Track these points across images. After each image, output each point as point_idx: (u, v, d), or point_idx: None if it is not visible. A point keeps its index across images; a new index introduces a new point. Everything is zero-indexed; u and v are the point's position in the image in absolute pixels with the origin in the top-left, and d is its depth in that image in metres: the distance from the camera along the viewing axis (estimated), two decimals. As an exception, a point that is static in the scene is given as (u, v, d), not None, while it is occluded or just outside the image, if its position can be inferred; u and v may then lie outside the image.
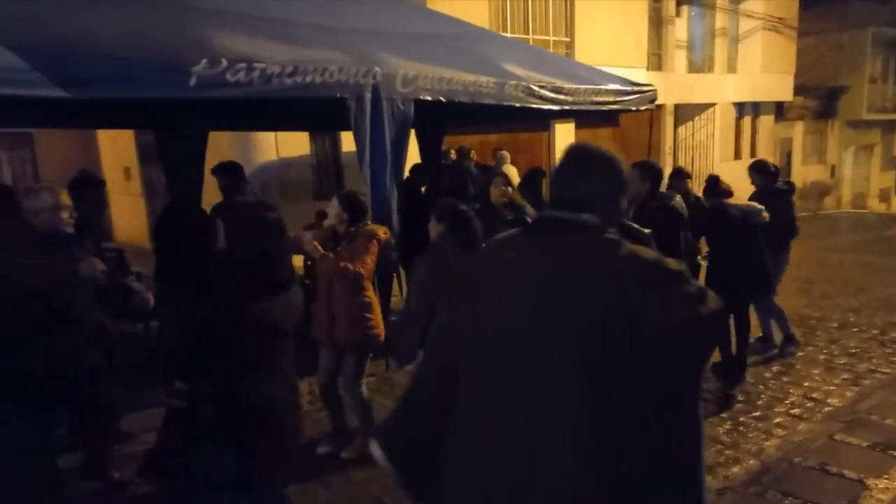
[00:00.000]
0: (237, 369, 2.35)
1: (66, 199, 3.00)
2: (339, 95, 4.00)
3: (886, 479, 3.39)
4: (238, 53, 3.47)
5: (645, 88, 6.25)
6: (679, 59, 14.45)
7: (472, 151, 8.24)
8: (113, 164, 11.29)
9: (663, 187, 4.51)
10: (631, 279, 1.40)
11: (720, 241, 4.76)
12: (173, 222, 4.77)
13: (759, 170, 5.41)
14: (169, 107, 4.84)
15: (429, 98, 4.47)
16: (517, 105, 5.09)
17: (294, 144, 8.41)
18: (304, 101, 4.03)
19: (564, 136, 11.79)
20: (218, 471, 2.41)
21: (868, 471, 3.46)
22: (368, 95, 4.14)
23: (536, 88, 5.14)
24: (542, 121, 10.42)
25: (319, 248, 3.41)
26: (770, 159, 7.58)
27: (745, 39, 15.87)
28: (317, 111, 5.50)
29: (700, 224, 4.74)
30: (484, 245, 1.64)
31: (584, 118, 10.40)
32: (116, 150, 11.19)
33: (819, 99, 18.67)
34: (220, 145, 7.19)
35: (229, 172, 4.68)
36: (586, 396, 1.37)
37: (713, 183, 4.78)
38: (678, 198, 4.27)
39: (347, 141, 9.40)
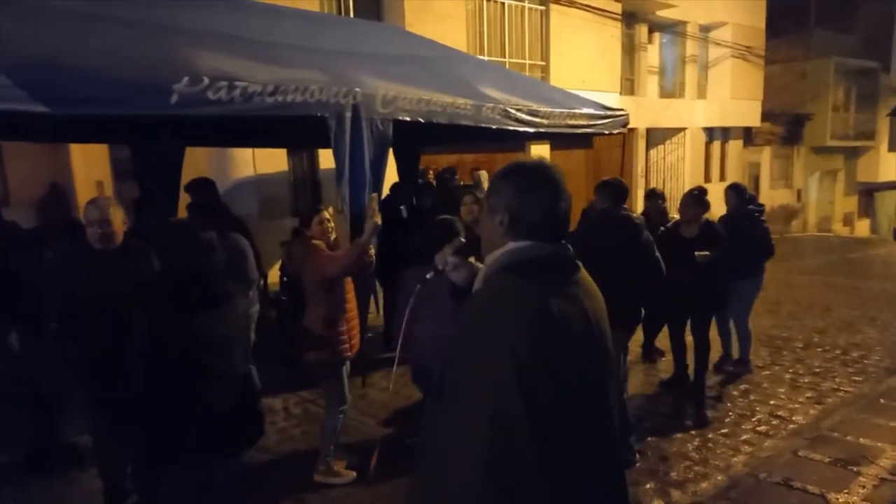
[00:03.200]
0: (192, 382, 2.39)
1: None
2: (319, 115, 4.05)
3: (846, 493, 3.51)
4: (220, 72, 3.50)
5: (617, 113, 6.42)
6: (651, 84, 14.84)
7: (430, 172, 8.34)
8: (85, 178, 11.12)
9: (640, 208, 4.62)
10: None
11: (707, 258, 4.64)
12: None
13: (738, 191, 5.56)
14: (147, 122, 4.84)
15: (407, 118, 4.53)
16: (493, 127, 5.19)
17: (272, 161, 8.42)
18: (283, 118, 4.07)
19: (540, 156, 12.00)
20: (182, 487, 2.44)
21: (829, 485, 3.58)
22: (348, 115, 4.19)
23: (513, 111, 5.26)
24: (518, 142, 10.59)
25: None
26: (739, 182, 7.78)
27: (715, 66, 16.37)
28: (295, 128, 5.55)
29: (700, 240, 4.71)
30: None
31: (558, 140, 10.62)
32: (89, 164, 11.04)
33: (785, 125, 19.27)
34: (198, 161, 7.18)
35: (202, 189, 4.69)
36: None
37: (703, 195, 4.80)
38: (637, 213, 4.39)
39: (325, 158, 9.44)
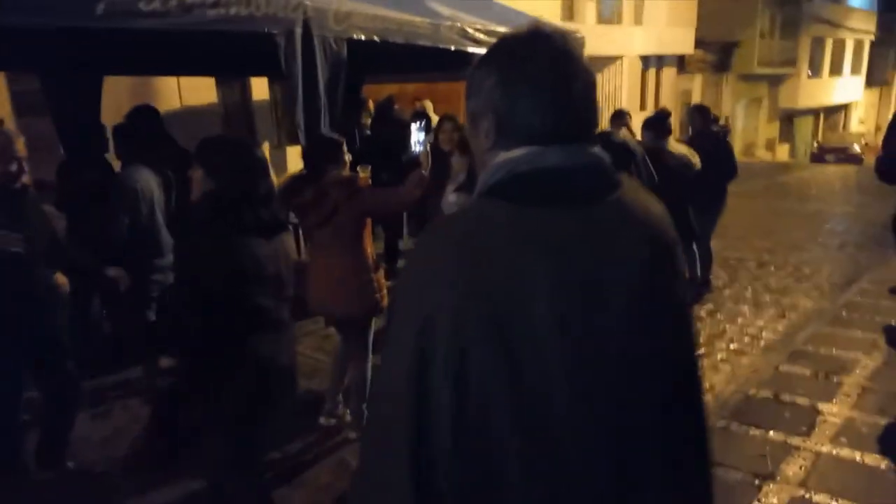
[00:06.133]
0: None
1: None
2: (266, 31, 3.58)
3: (835, 403, 3.56)
4: (153, -23, 2.98)
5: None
6: (589, 10, 14.55)
7: (370, 102, 7.80)
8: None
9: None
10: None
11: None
12: (76, 183, 4.22)
13: (702, 112, 5.49)
14: (59, 47, 4.22)
15: (362, 37, 4.12)
16: (453, 48, 4.83)
17: (199, 92, 7.70)
18: (216, 38, 3.61)
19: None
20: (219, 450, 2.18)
21: (817, 397, 3.62)
22: (299, 31, 3.74)
23: (471, 31, 4.90)
24: (465, 69, 10.15)
25: None
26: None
27: (650, -8, 16.21)
28: (225, 54, 5.01)
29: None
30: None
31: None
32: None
33: (716, 53, 19.51)
34: (117, 92, 6.45)
35: (146, 117, 4.18)
36: None
37: (662, 120, 4.66)
38: (623, 130, 4.17)
39: (258, 88, 8.75)
